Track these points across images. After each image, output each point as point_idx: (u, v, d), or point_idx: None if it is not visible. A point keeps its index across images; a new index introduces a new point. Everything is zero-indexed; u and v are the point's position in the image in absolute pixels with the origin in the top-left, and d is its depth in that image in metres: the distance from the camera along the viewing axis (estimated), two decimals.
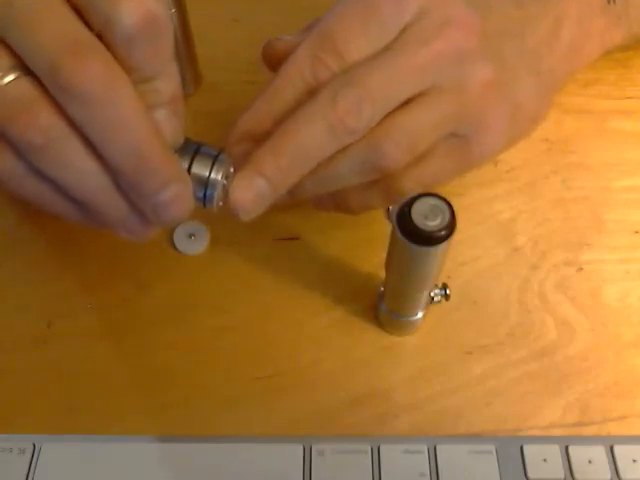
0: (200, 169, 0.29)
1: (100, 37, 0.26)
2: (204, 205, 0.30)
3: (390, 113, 0.31)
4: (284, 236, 0.40)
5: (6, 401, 0.35)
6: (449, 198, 0.28)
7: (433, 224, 0.28)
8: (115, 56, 0.26)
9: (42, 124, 0.25)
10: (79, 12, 0.26)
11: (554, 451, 0.33)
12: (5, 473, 0.33)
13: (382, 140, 0.31)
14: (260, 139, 0.32)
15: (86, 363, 0.36)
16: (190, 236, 0.40)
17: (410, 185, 0.34)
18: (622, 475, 0.33)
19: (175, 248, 0.40)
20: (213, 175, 0.29)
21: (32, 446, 0.34)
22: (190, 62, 0.44)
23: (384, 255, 0.32)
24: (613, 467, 0.33)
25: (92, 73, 0.25)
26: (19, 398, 0.36)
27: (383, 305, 0.36)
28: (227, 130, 0.43)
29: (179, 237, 0.40)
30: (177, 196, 0.27)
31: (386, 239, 0.31)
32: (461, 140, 0.33)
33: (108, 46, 0.26)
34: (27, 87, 0.26)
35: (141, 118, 0.26)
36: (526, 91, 0.35)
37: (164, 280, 0.39)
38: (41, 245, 0.40)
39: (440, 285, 0.35)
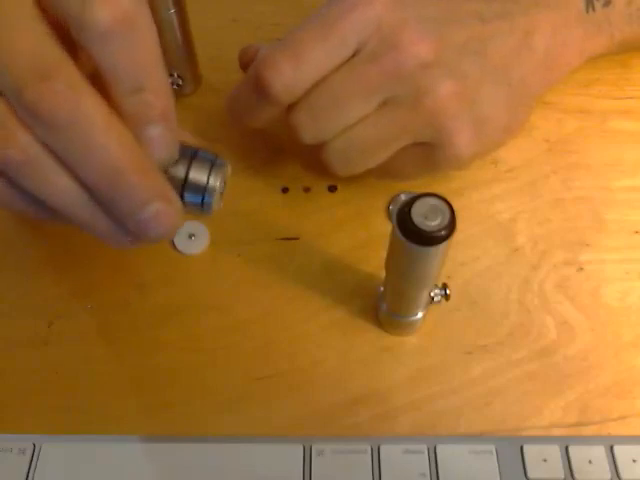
0: (198, 175, 0.29)
1: (74, 43, 0.25)
2: (202, 210, 0.30)
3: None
4: (284, 236, 0.40)
5: (6, 401, 0.35)
6: (449, 198, 0.28)
7: (433, 224, 0.28)
8: (94, 63, 0.26)
9: (20, 141, 0.25)
10: (53, 17, 0.26)
11: (554, 451, 0.33)
12: (5, 473, 0.33)
13: (327, 148, 0.35)
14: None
15: (86, 363, 0.36)
16: (190, 236, 0.40)
17: (379, 175, 0.38)
18: (622, 475, 0.33)
19: (175, 248, 0.40)
20: (211, 182, 0.29)
21: (32, 446, 0.34)
22: (190, 62, 0.44)
23: (384, 255, 0.32)
24: (613, 467, 0.33)
25: (56, 97, 0.24)
26: (19, 398, 0.36)
27: (383, 305, 0.36)
28: (227, 130, 0.44)
29: (179, 237, 0.40)
30: (159, 214, 0.27)
31: (386, 239, 0.31)
32: (426, 148, 0.36)
33: (85, 51, 0.26)
34: (3, 105, 0.25)
35: (112, 138, 0.26)
36: (494, 102, 0.36)
37: (164, 280, 0.39)
38: (41, 245, 0.40)
39: (440, 285, 0.35)
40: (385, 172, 0.38)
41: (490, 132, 0.36)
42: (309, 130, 0.35)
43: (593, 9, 0.38)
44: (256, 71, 0.34)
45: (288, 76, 0.33)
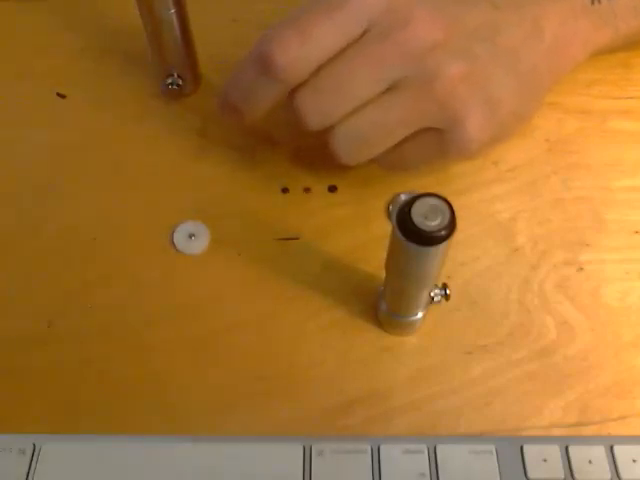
0: None
1: None
2: None
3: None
4: (284, 236, 0.40)
5: (6, 401, 0.35)
6: (449, 198, 0.28)
7: (433, 224, 0.28)
8: None
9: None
10: None
11: (554, 451, 0.33)
12: (5, 473, 0.33)
13: (333, 133, 0.34)
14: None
15: (86, 363, 0.36)
16: (190, 236, 0.40)
17: (385, 165, 0.37)
18: (622, 475, 0.33)
19: (175, 248, 0.40)
20: None
21: (32, 446, 0.34)
22: (190, 62, 0.44)
23: (384, 255, 0.32)
24: (613, 467, 0.33)
25: None
26: (19, 398, 0.36)
27: (383, 305, 0.36)
28: (227, 130, 0.44)
29: (179, 237, 0.40)
30: None
31: (386, 239, 0.31)
32: (435, 133, 0.35)
33: None
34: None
35: None
36: (505, 88, 0.35)
37: (164, 280, 0.39)
38: (41, 244, 0.40)
39: (440, 285, 0.35)
40: (392, 161, 0.37)
41: (502, 117, 0.35)
42: (315, 114, 0.34)
43: (599, 1, 0.38)
44: (259, 47, 0.32)
45: (294, 52, 0.32)
